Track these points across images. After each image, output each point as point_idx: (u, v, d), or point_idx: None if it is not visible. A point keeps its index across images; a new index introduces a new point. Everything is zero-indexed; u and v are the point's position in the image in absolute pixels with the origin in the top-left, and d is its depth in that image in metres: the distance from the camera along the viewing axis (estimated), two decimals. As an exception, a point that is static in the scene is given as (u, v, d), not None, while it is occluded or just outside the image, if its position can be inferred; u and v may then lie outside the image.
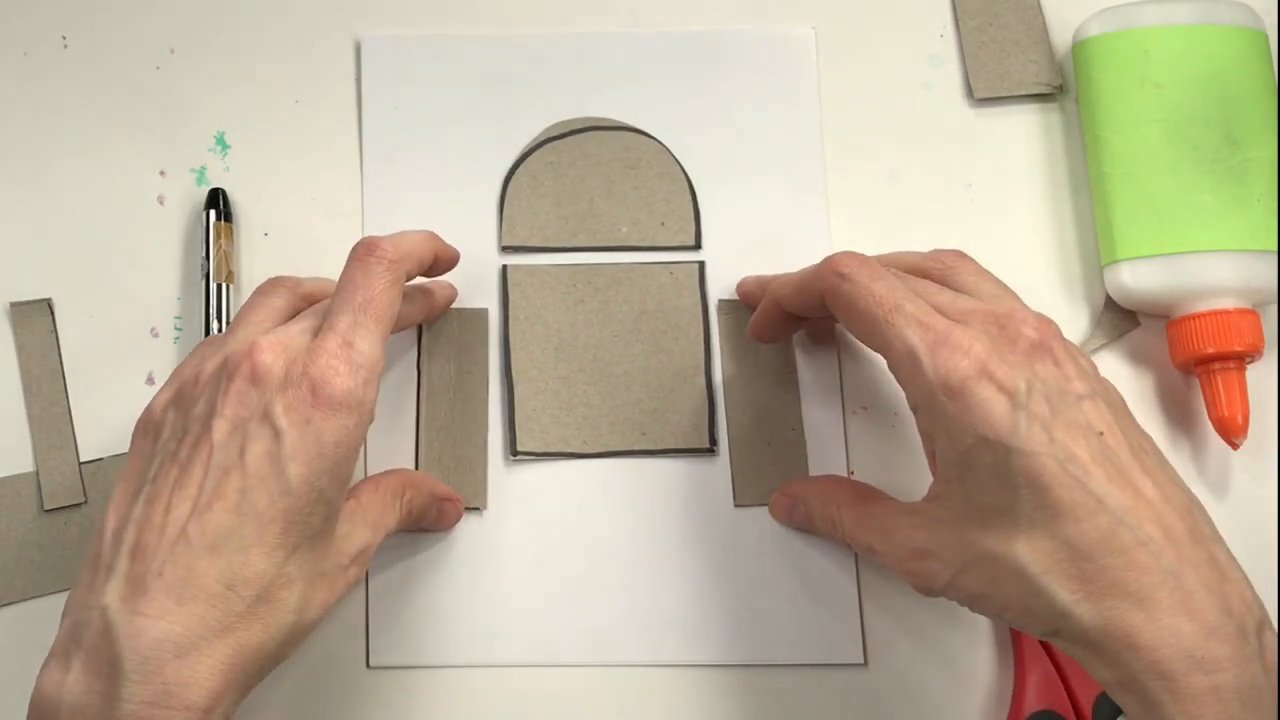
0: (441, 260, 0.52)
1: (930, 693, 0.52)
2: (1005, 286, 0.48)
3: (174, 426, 0.45)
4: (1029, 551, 0.42)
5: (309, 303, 0.50)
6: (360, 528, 0.47)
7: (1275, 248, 0.54)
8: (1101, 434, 0.43)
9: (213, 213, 0.56)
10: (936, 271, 0.49)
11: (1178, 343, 0.55)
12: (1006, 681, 0.52)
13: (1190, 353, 0.54)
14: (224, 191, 0.56)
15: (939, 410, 0.43)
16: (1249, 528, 0.54)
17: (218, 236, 0.55)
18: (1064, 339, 0.45)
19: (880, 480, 0.53)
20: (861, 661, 0.52)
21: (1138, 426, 0.45)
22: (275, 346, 0.44)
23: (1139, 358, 0.57)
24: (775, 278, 0.53)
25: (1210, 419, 0.54)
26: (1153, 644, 0.40)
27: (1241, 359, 0.54)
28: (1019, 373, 0.43)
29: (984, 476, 0.43)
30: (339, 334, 0.44)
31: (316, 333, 0.45)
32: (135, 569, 0.42)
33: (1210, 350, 0.53)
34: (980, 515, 0.43)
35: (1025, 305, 0.47)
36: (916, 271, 0.49)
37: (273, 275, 0.51)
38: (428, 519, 0.52)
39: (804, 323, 0.53)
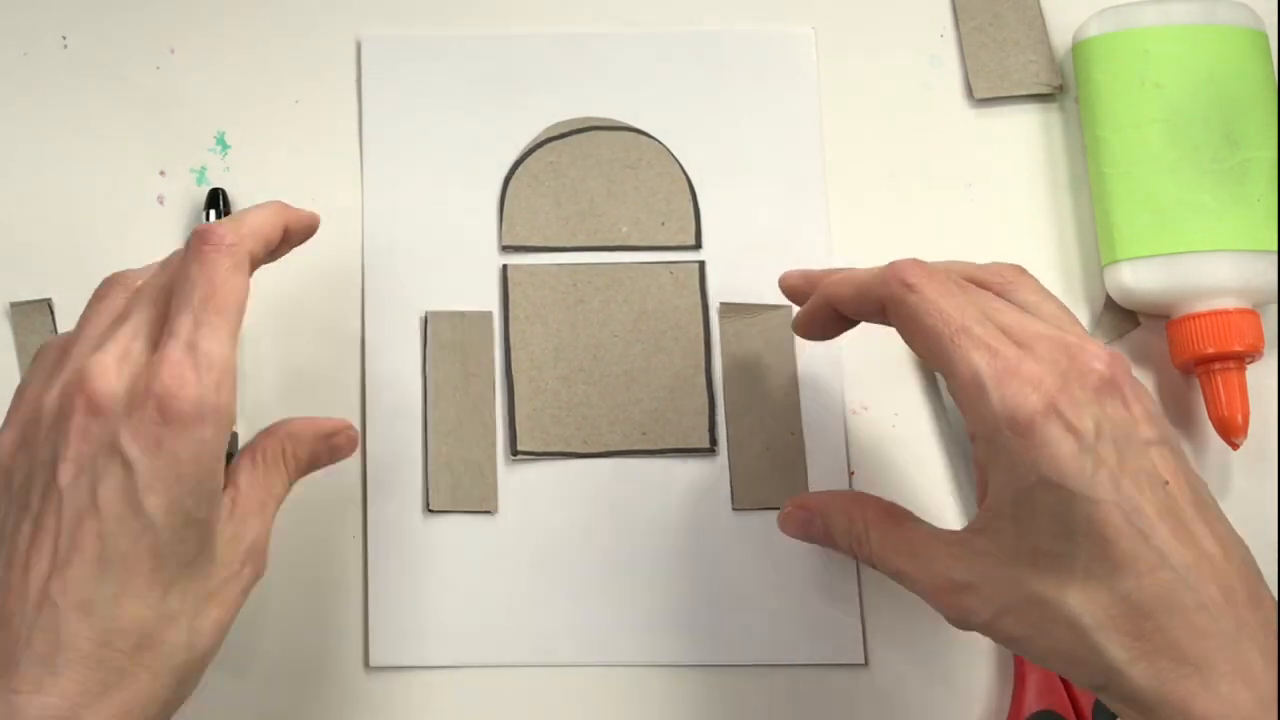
0: (294, 231, 0.47)
1: (931, 693, 0.52)
2: (1066, 309, 0.46)
3: (23, 473, 0.41)
4: (1083, 601, 0.40)
5: None
6: (246, 521, 0.43)
7: (1275, 248, 0.54)
8: (1167, 484, 0.41)
9: (213, 213, 0.56)
10: (995, 286, 0.46)
11: (1178, 343, 0.55)
12: (1007, 682, 0.52)
13: (1190, 353, 0.54)
14: (224, 191, 0.56)
15: (1001, 444, 0.41)
16: (1249, 528, 0.54)
17: (218, 236, 0.55)
18: (1133, 377, 0.43)
19: (879, 481, 0.53)
20: (862, 661, 0.52)
21: (1195, 473, 0.43)
22: (109, 368, 0.40)
23: (1139, 358, 0.56)
24: (827, 273, 0.49)
25: (1210, 419, 0.54)
26: (1208, 713, 0.39)
27: (1241, 359, 0.54)
28: (1087, 412, 0.41)
29: (1043, 518, 0.41)
30: (181, 339, 0.40)
31: (154, 337, 0.41)
32: (2, 641, 0.38)
33: (1210, 350, 0.53)
34: (1032, 557, 0.41)
35: (1090, 336, 0.44)
36: (972, 283, 0.46)
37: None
38: (322, 462, 0.48)
39: (852, 324, 0.50)
